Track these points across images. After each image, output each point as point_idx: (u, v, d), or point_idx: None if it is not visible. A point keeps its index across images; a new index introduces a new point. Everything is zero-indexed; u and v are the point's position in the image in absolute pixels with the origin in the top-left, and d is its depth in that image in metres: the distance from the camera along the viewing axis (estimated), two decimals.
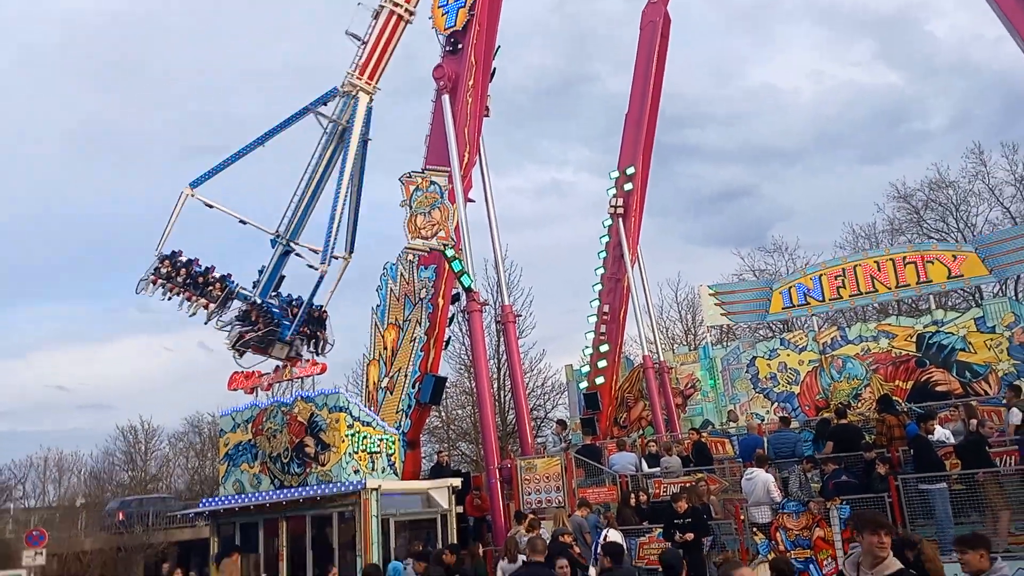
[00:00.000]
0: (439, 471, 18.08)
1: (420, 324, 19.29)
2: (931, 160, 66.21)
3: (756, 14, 78.58)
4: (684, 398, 25.99)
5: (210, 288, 20.02)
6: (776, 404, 24.24)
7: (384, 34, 24.24)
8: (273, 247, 21.21)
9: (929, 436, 12.95)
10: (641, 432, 23.50)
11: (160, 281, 19.81)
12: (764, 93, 77.38)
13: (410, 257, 19.66)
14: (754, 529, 12.48)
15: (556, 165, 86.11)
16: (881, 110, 68.32)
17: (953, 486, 11.92)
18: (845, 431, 14.43)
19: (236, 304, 20.19)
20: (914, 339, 23.12)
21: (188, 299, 19.93)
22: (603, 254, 26.40)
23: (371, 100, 22.31)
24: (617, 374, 25.77)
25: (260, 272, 21.12)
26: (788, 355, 24.84)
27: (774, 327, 34.83)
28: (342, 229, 21.19)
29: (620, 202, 26.01)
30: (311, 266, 20.70)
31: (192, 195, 20.28)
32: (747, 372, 25.19)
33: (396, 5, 23.00)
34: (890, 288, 24.08)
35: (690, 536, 11.88)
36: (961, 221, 35.51)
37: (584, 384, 25.20)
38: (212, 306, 19.94)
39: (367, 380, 19.38)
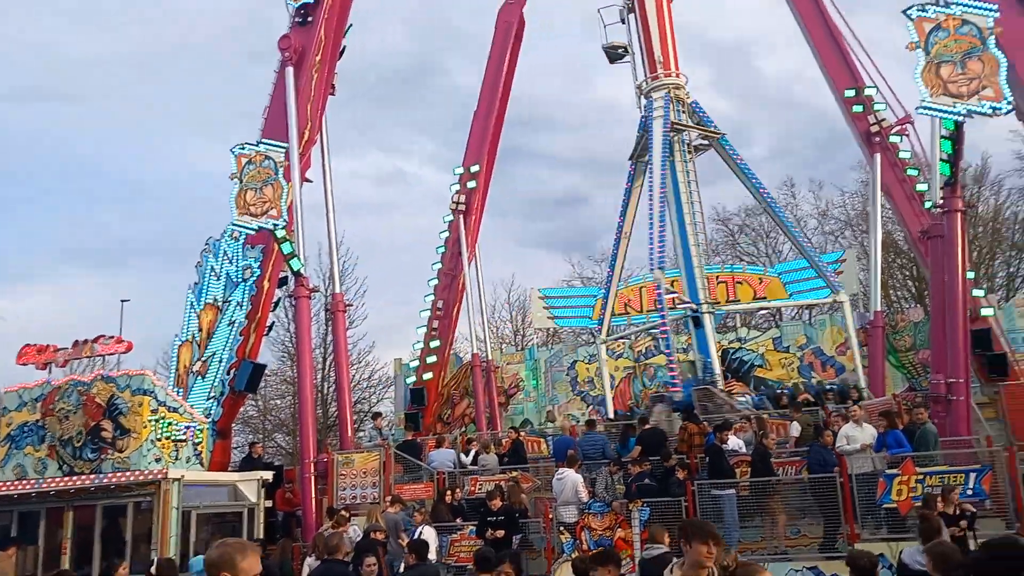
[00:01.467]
0: (250, 463, 17.34)
1: (241, 306, 18.44)
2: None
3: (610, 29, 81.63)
4: (507, 397, 26.54)
5: None
6: (591, 407, 25.30)
7: (663, 18, 23.68)
8: None
9: (724, 445, 13.97)
10: (464, 429, 23.75)
11: None
12: (608, 106, 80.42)
13: (236, 235, 18.73)
14: (561, 528, 12.93)
15: (402, 154, 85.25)
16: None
17: (741, 492, 12.96)
18: (652, 435, 15.30)
19: None
20: (720, 353, 24.85)
21: None
22: (441, 249, 26.43)
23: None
24: (445, 370, 25.91)
25: None
26: (606, 361, 25.97)
27: (596, 333, 36.39)
28: None
29: (462, 199, 26.14)
30: None
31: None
32: (567, 375, 26.12)
33: None
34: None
35: (501, 533, 12.13)
36: (770, 247, 38.68)
37: (411, 379, 25.11)
38: None
39: (178, 363, 18.27)
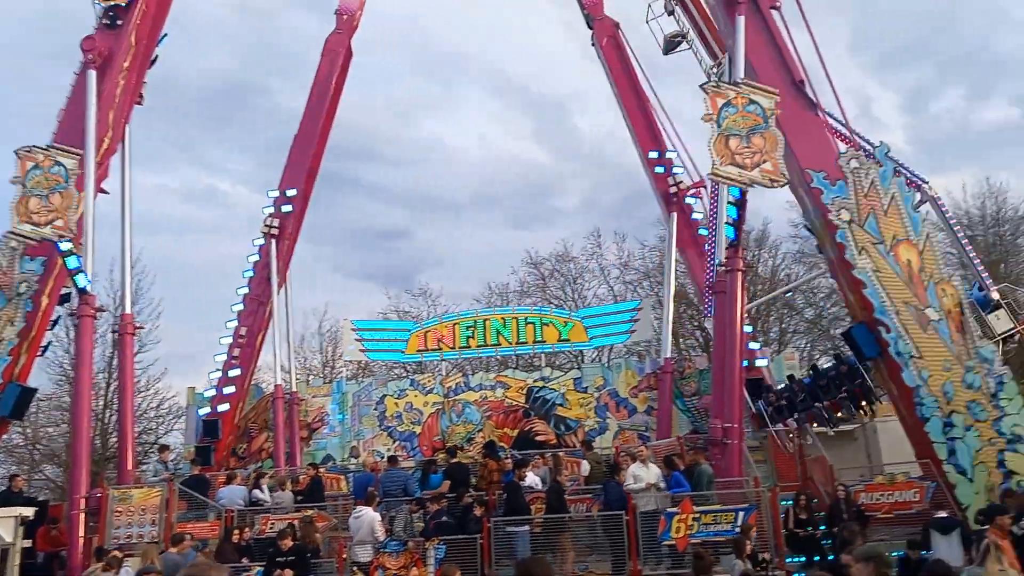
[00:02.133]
0: (8, 498, 15.51)
1: (12, 323, 16.66)
2: (562, 235, 74.86)
3: (441, 69, 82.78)
4: (310, 431, 25.64)
5: None
6: (397, 443, 25.03)
7: None
8: None
9: (521, 482, 14.34)
10: (259, 464, 22.63)
11: None
12: (434, 144, 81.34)
13: (13, 244, 16.96)
14: (355, 567, 12.64)
15: (216, 172, 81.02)
16: (530, 182, 75.72)
17: (534, 528, 13.33)
18: (459, 469, 15.49)
19: None
20: (524, 391, 25.55)
21: None
22: (249, 273, 25.26)
23: None
24: (244, 402, 24.64)
25: None
26: (416, 396, 25.88)
27: (408, 368, 36.22)
28: None
29: (275, 223, 25.21)
30: None
31: None
32: (376, 409, 25.70)
33: None
34: (511, 343, 26.47)
35: (289, 573, 11.65)
36: (576, 292, 40.56)
37: (205, 409, 23.62)
38: None
39: None
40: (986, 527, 10.69)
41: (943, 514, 13.38)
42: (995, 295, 17.30)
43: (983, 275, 17.45)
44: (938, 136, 71.72)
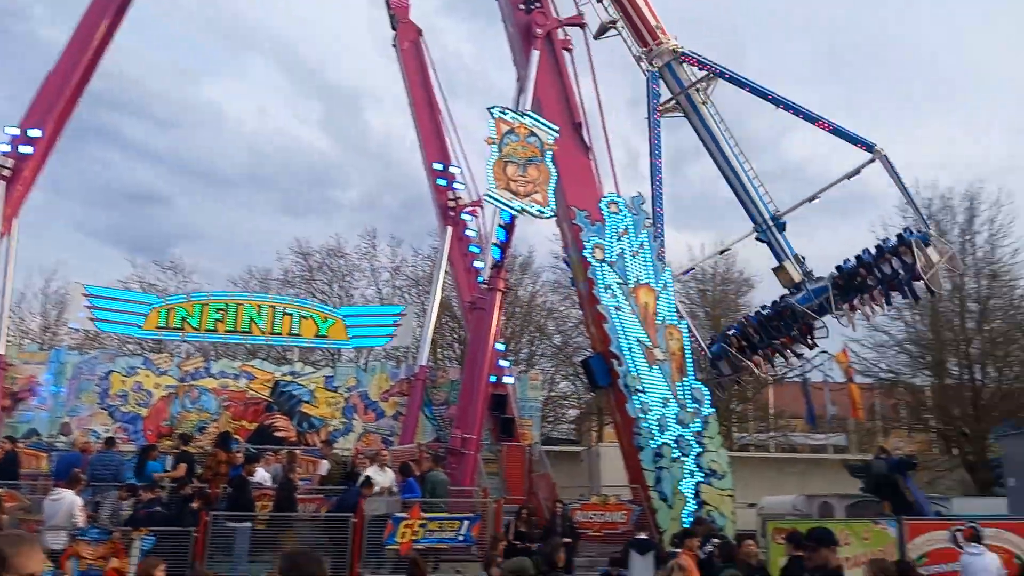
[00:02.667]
0: None
1: None
2: (337, 228, 73.47)
3: (228, 31, 78.03)
4: (15, 401, 22.78)
5: None
6: (118, 424, 22.98)
7: None
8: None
9: (250, 477, 13.81)
10: None
11: None
12: (210, 111, 76.37)
13: None
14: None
15: None
16: (311, 168, 73.51)
17: (257, 526, 12.87)
18: (186, 457, 14.63)
19: None
20: (271, 384, 24.62)
21: None
22: None
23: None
24: None
25: None
26: (147, 376, 23.96)
27: (145, 345, 33.44)
28: None
29: (10, 163, 22.22)
30: None
31: None
32: (98, 385, 23.42)
33: None
34: (264, 333, 25.39)
35: None
36: (343, 290, 39.88)
37: None
38: None
39: None
40: (678, 549, 12.02)
41: (642, 535, 14.78)
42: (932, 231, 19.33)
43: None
44: (690, 196, 79.73)
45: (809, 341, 20.38)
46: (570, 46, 20.81)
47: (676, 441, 17.59)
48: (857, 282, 18.81)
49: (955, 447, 32.32)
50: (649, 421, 17.47)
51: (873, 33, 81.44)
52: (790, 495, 22.24)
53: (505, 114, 16.09)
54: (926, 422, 34.02)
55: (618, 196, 19.52)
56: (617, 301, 18.22)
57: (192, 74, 78.33)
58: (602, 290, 18.18)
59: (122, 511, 13.18)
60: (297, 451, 16.89)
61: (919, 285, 18.10)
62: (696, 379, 18.86)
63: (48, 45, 72.37)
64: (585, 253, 18.38)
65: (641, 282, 18.76)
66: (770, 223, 20.05)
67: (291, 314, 25.76)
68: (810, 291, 19.70)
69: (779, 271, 20.00)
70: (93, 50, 24.19)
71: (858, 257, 18.99)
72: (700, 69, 21.03)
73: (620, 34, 21.38)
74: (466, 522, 13.78)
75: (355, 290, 40.22)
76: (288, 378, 24.83)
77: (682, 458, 17.45)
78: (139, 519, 12.12)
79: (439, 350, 36.96)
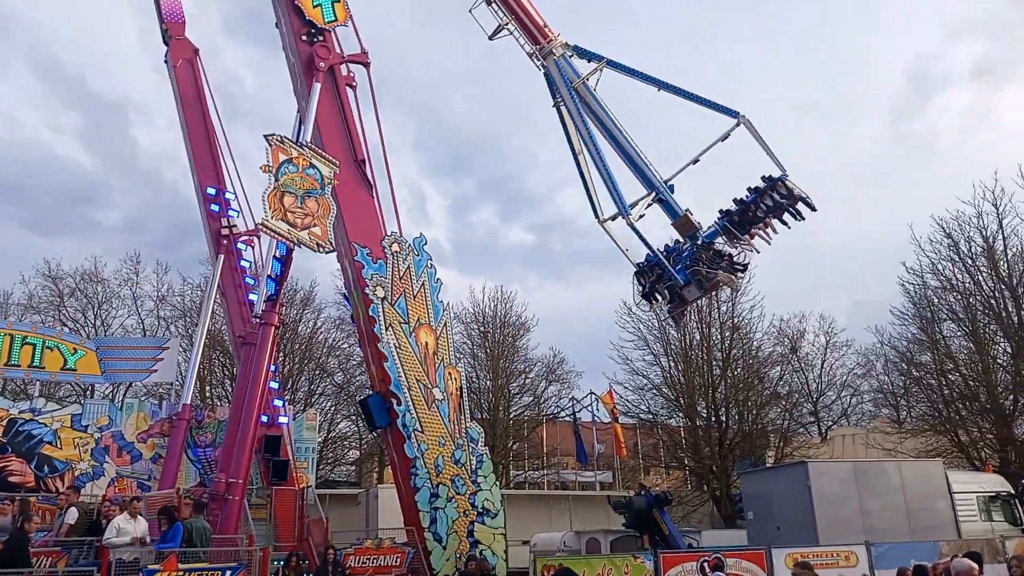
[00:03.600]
0: None
1: None
2: (95, 251, 66.95)
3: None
4: None
5: None
6: None
7: None
8: None
9: None
10: None
11: None
12: None
13: None
14: None
15: None
16: (65, 184, 66.86)
17: None
18: None
19: None
20: (5, 422, 21.81)
21: None
22: None
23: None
24: None
25: None
26: None
27: None
28: None
29: None
30: None
31: None
32: None
33: None
34: None
35: None
36: (100, 319, 36.30)
37: None
38: None
39: None
40: None
41: None
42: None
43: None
44: (473, 241, 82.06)
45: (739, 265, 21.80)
46: (354, 83, 20.81)
47: (452, 481, 17.75)
48: (749, 216, 20.61)
49: (705, 483, 35.43)
50: (426, 461, 17.51)
51: None
52: (560, 531, 23.16)
53: (283, 143, 15.63)
54: (681, 460, 37.01)
55: (401, 236, 19.64)
56: (398, 340, 18.21)
57: None
58: (383, 329, 18.10)
59: None
60: (33, 498, 14.98)
61: (801, 206, 20.28)
62: (470, 420, 19.22)
63: None
64: (367, 290, 18.24)
65: (422, 322, 18.91)
66: (663, 184, 21.48)
67: (33, 343, 23.10)
68: (710, 231, 21.18)
69: (682, 223, 21.40)
70: None
71: (741, 200, 20.84)
72: (588, 62, 22.43)
73: (512, 34, 22.57)
74: (229, 572, 12.91)
75: (114, 319, 36.80)
76: (27, 416, 22.13)
77: (457, 497, 17.62)
78: None
79: (208, 387, 34.70)
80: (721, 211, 21.24)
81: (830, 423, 41.41)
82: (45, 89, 74.57)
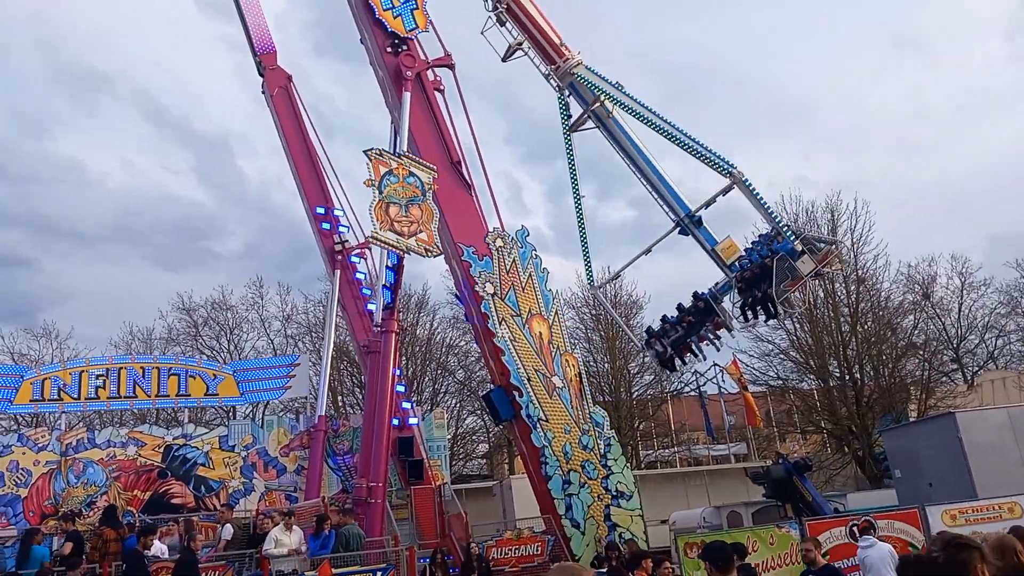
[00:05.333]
0: None
1: None
2: (220, 280, 70.94)
3: (84, 83, 74.78)
4: None
5: None
6: None
7: (539, 9, 21.56)
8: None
9: (146, 551, 13.02)
10: None
11: None
12: (69, 165, 72.71)
13: None
14: None
15: None
16: (185, 220, 70.99)
17: None
18: (75, 535, 13.72)
19: None
20: (162, 449, 23.46)
21: None
22: None
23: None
24: None
25: None
26: (24, 453, 22.39)
27: (20, 420, 31.22)
28: None
29: None
30: None
31: None
32: None
33: None
34: (150, 396, 24.22)
35: None
36: (232, 343, 38.48)
37: None
38: None
39: None
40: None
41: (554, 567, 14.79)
42: (797, 246, 19.21)
43: (784, 229, 19.19)
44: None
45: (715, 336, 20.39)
46: (441, 87, 21.11)
47: (582, 466, 17.80)
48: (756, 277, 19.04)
49: (845, 445, 34.06)
50: (554, 449, 17.62)
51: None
52: (699, 508, 22.82)
53: (382, 156, 16.05)
54: (817, 423, 35.71)
55: (503, 230, 19.80)
56: (512, 333, 18.38)
57: (44, 127, 74.49)
58: (496, 323, 18.32)
59: None
60: (195, 518, 16.08)
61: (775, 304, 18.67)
62: (595, 404, 19.18)
63: None
64: (476, 288, 18.50)
65: (534, 313, 19.01)
66: (686, 219, 20.42)
67: (178, 374, 24.74)
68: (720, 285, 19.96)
69: (724, 247, 19.94)
70: None
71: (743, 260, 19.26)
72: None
73: (527, 54, 21.83)
74: (379, 573, 13.45)
75: (246, 343, 38.89)
76: (180, 441, 23.74)
77: (590, 482, 17.65)
78: None
79: (339, 397, 36.16)
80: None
81: (976, 369, 38.88)
82: (157, 133, 79.46)
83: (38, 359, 34.67)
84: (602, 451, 18.23)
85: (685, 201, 20.27)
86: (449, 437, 30.59)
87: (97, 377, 23.75)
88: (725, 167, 18.66)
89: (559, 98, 21.27)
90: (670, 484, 29.62)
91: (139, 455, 23.28)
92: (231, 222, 76.29)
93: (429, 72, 21.03)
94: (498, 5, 20.88)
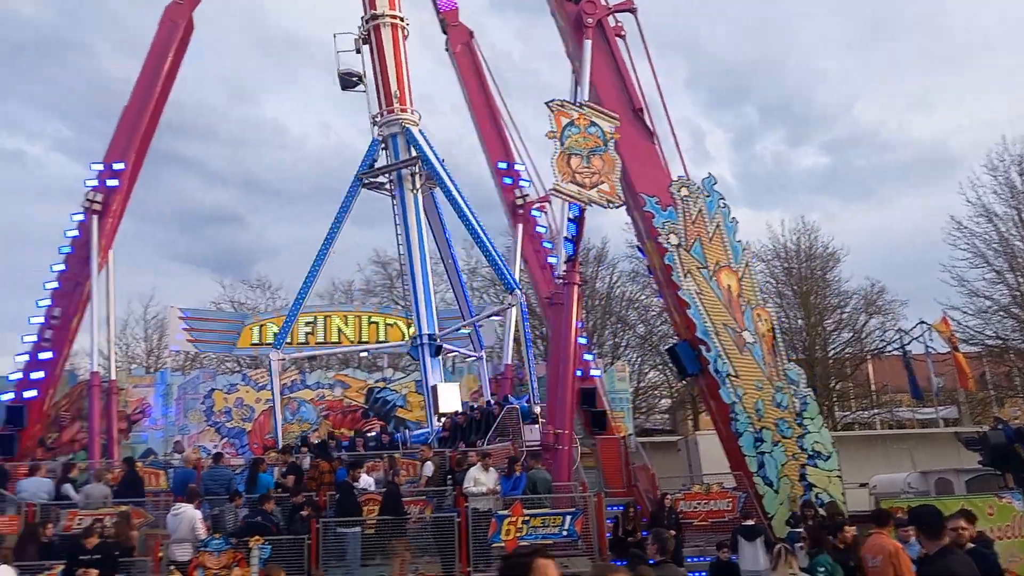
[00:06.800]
0: None
1: None
2: None
3: (284, 50, 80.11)
4: (130, 423, 24.03)
5: None
6: (225, 439, 23.98)
7: (400, 52, 23.76)
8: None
9: (355, 483, 14.14)
10: (72, 456, 20.92)
11: None
12: (272, 128, 78.49)
13: None
14: (171, 567, 11.99)
15: (26, 135, 73.79)
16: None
17: (367, 530, 13.18)
18: (294, 466, 15.23)
19: None
20: (364, 392, 25.25)
21: None
22: (66, 250, 23.09)
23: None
24: (55, 388, 22.67)
25: None
26: (247, 391, 24.92)
27: (241, 361, 34.72)
28: None
29: (99, 197, 23.23)
30: None
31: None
32: (203, 404, 24.49)
33: (393, 17, 23.51)
34: (353, 342, 26.07)
35: (94, 573, 10.89)
36: None
37: (9, 394, 21.52)
38: None
39: None
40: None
41: (749, 522, 14.50)
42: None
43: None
44: (760, 173, 77.78)
45: None
46: (622, 32, 20.56)
47: (775, 424, 17.19)
48: None
49: None
50: (745, 406, 17.12)
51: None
52: (902, 472, 21.44)
53: (563, 107, 15.95)
54: None
55: (688, 179, 19.20)
56: (698, 286, 17.91)
57: (251, 93, 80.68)
58: (681, 276, 17.91)
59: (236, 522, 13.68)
60: (397, 455, 17.20)
61: None
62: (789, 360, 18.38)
63: (115, 80, 75.43)
64: (659, 240, 18.13)
65: (722, 265, 18.39)
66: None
67: (376, 322, 26.38)
68: None
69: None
70: (162, 81, 25.15)
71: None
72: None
73: (366, 90, 23.38)
74: (568, 517, 13.77)
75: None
76: (381, 384, 25.41)
77: (784, 441, 17.03)
78: (240, 528, 12.48)
79: (523, 348, 37.05)
80: None
81: None
82: (348, 94, 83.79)
83: (254, 307, 38.22)
84: (797, 409, 17.47)
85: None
86: (631, 391, 30.55)
87: (306, 324, 25.87)
88: (510, 284, 20.19)
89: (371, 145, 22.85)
90: (869, 447, 27.98)
91: (345, 396, 25.21)
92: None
93: (610, 18, 20.58)
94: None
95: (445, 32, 26.89)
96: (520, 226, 25.05)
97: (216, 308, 36.56)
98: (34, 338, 22.15)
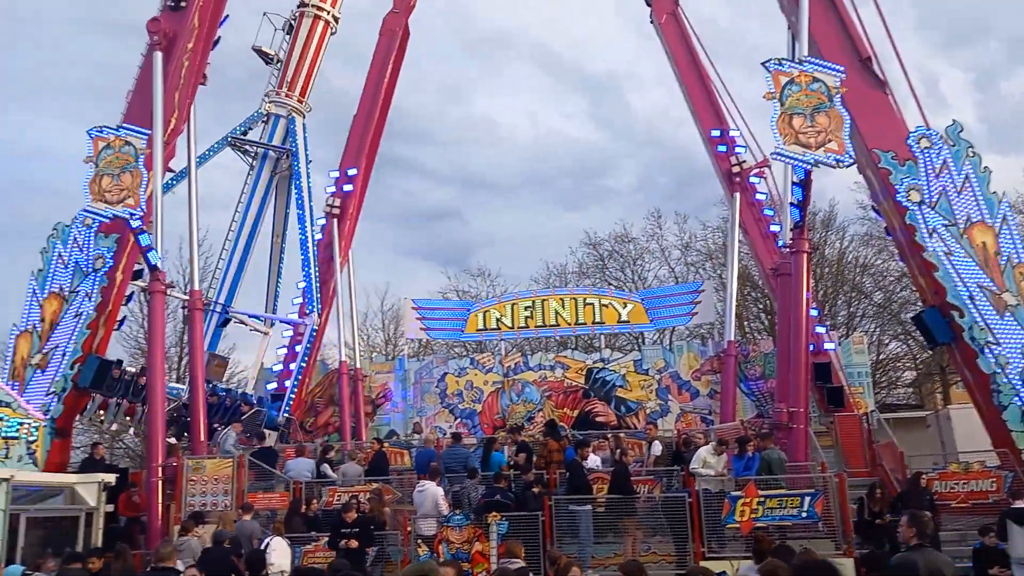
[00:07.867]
0: (92, 465, 16.24)
1: (90, 298, 17.36)
2: (618, 215, 74.13)
3: (489, 47, 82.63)
4: (375, 407, 26.16)
5: None
6: (459, 420, 25.35)
7: (312, 45, 26.21)
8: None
9: (583, 462, 14.35)
10: (327, 438, 23.20)
11: None
12: (484, 124, 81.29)
13: (88, 221, 17.61)
14: (419, 540, 12.87)
15: None
16: (582, 162, 75.15)
17: (597, 509, 13.34)
18: (525, 445, 15.81)
19: None
20: (584, 372, 25.54)
21: None
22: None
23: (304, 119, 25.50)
24: (310, 377, 25.27)
25: None
26: (476, 374, 26.13)
27: (468, 347, 36.49)
28: None
29: (337, 202, 25.70)
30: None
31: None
32: (437, 387, 26.06)
33: (320, 10, 25.62)
34: (570, 324, 26.44)
35: (354, 543, 11.94)
36: (636, 274, 40.23)
37: (273, 384, 24.30)
38: None
39: (15, 354, 16.96)
40: None
41: (1020, 504, 12.92)
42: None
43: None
44: (1007, 116, 68.61)
45: None
46: None
47: None
48: None
49: None
50: (1010, 376, 15.23)
51: None
52: None
53: (781, 65, 14.96)
54: None
55: (928, 129, 17.32)
56: (947, 245, 16.15)
57: (459, 92, 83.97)
58: (926, 235, 16.24)
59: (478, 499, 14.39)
60: (622, 434, 17.25)
61: None
62: None
63: (342, 93, 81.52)
64: (899, 198, 16.54)
65: (973, 220, 16.43)
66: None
67: (592, 303, 26.54)
68: None
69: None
70: (385, 88, 27.00)
71: None
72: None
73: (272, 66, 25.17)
74: (807, 498, 13.04)
75: (648, 272, 40.30)
76: (599, 365, 25.59)
77: None
78: (479, 506, 13.06)
79: (745, 323, 35.69)
80: None
81: None
82: (553, 82, 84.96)
83: (476, 295, 40.00)
84: None
85: None
86: (870, 364, 28.34)
87: (526, 308, 26.64)
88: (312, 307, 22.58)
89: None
90: None
91: (565, 377, 25.66)
92: (622, 157, 78.99)
93: None
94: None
95: (648, 3, 26.31)
96: (737, 195, 24.00)
97: (443, 297, 38.71)
98: (291, 333, 24.86)
